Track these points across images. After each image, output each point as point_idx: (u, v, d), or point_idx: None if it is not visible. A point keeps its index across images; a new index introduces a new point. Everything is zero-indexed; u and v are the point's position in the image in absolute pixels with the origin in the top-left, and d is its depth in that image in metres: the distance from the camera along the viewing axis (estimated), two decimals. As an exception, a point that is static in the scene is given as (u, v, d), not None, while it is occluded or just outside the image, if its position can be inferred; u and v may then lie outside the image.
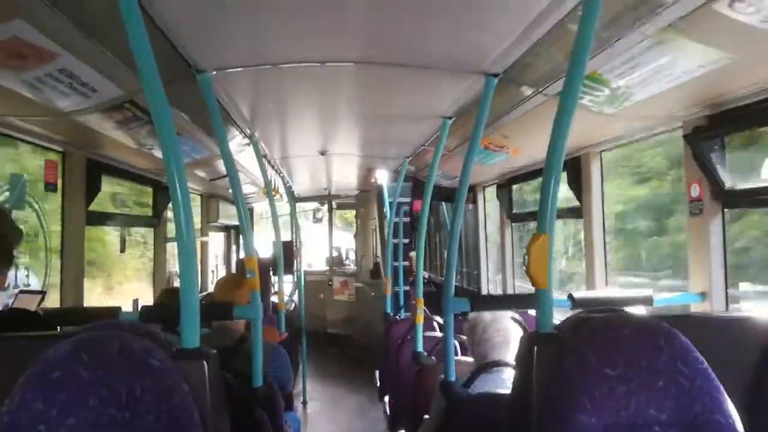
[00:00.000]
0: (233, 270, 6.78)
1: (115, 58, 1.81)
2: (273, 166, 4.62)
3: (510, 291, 4.40)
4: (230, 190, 2.36)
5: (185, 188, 1.39)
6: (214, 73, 2.11)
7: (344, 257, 8.72)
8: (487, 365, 2.14)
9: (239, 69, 2.15)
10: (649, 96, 2.05)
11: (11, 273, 2.34)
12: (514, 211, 4.33)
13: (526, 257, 1.44)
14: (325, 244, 8.69)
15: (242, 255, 6.08)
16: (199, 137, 3.14)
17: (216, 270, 6.67)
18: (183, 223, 1.36)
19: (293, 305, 6.38)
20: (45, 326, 1.88)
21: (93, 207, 2.95)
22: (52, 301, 2.68)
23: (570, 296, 2.28)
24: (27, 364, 1.10)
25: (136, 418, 1.08)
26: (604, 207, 3.10)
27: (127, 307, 3.60)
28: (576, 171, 3.15)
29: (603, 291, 2.96)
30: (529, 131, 2.90)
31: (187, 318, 1.36)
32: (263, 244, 8.28)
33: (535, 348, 1.32)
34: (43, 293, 2.11)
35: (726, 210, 2.26)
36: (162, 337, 1.29)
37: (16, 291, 2.11)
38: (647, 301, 2.33)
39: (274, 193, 4.77)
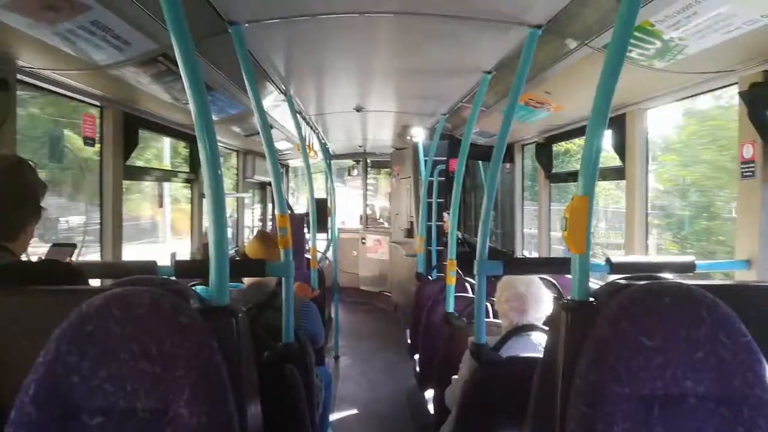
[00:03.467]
0: (269, 226, 6.87)
1: (146, 10, 1.78)
2: (308, 123, 4.59)
3: (546, 254, 4.33)
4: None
5: (214, 143, 1.37)
6: (247, 25, 2.06)
7: (378, 216, 8.72)
8: (518, 329, 2.12)
9: (273, 21, 2.10)
10: (705, 48, 1.91)
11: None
12: (553, 171, 4.21)
13: (564, 221, 1.38)
14: (359, 203, 8.70)
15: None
16: (233, 93, 3.13)
17: (252, 225, 6.77)
18: (212, 179, 1.35)
19: (327, 262, 6.45)
20: (80, 280, 1.92)
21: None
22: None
23: (608, 261, 2.21)
24: (60, 317, 1.13)
25: (166, 372, 1.10)
26: (647, 168, 2.98)
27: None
28: (620, 129, 3.02)
29: (644, 256, 2.87)
30: (573, 87, 2.78)
31: (217, 275, 1.37)
32: (301, 200, 8.31)
33: (569, 315, 1.28)
34: (73, 246, 2.15)
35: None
36: (192, 294, 1.30)
37: (49, 244, 2.15)
38: (689, 267, 2.24)
39: (308, 150, 4.75)
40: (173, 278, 2.08)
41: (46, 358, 1.09)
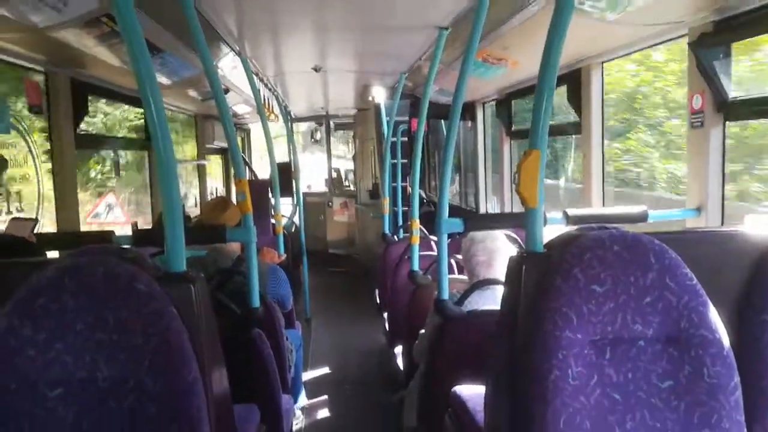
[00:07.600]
0: (233, 192, 6.77)
1: None
2: (266, 84, 4.48)
3: (508, 210, 4.40)
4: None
5: (161, 106, 1.33)
6: None
7: (344, 178, 8.68)
8: (480, 283, 2.17)
9: None
10: (654, 0, 1.93)
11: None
12: (514, 128, 4.24)
13: (517, 175, 1.40)
14: (323, 166, 8.61)
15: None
16: (186, 54, 3.02)
17: (215, 192, 6.66)
18: (161, 144, 1.32)
19: (294, 227, 6.43)
20: (37, 252, 1.88)
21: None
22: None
23: (564, 213, 2.27)
24: (12, 290, 1.11)
25: (124, 341, 1.10)
26: (603, 121, 3.03)
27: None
28: (576, 84, 3.04)
29: (599, 208, 2.95)
30: (530, 42, 2.78)
31: (172, 241, 1.35)
32: (265, 165, 8.17)
33: (524, 267, 1.32)
34: (35, 220, 2.10)
35: (727, 123, 2.19)
36: (149, 262, 1.29)
37: (9, 218, 2.10)
38: (642, 216, 2.31)
39: (267, 112, 4.66)
40: (130, 246, 2.05)
41: None
